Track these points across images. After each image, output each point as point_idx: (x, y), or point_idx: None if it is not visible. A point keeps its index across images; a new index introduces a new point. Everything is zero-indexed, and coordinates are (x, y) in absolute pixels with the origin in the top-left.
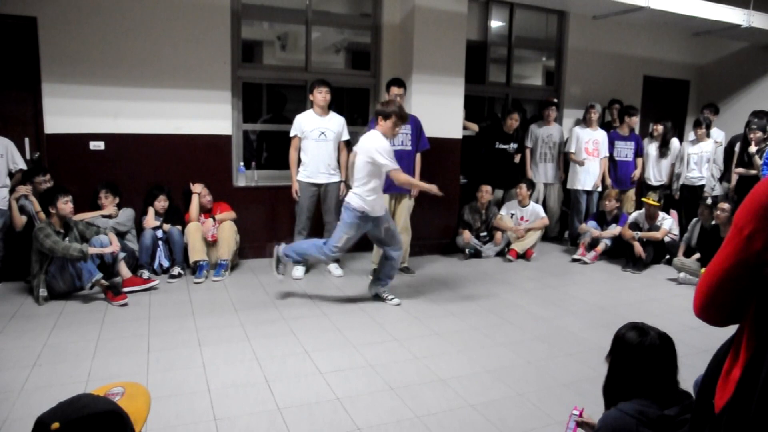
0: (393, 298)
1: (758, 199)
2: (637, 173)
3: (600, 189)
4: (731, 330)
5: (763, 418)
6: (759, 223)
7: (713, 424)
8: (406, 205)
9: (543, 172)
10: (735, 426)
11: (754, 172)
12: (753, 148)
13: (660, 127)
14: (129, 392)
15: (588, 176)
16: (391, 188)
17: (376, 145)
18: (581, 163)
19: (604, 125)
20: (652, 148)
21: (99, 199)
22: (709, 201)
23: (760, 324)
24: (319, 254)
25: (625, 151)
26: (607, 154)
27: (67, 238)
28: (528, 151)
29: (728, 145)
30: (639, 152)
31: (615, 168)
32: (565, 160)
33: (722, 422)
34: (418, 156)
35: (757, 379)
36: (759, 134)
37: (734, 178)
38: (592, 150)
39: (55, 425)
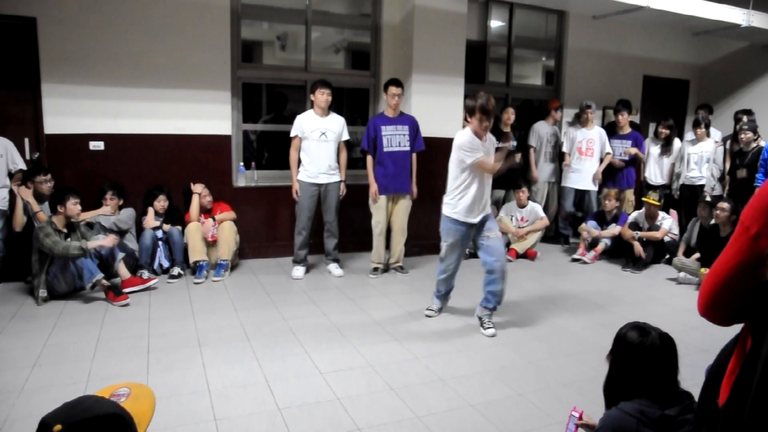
0: (489, 328)
1: (766, 198)
2: (632, 150)
3: (596, 188)
4: (732, 330)
5: (757, 417)
6: (766, 223)
7: (712, 422)
8: (404, 205)
9: (546, 171)
10: (731, 424)
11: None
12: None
13: (666, 131)
14: (135, 393)
15: (581, 176)
16: (389, 189)
17: (459, 142)
18: (565, 164)
19: (609, 126)
20: (654, 148)
21: (104, 200)
22: (708, 199)
23: (756, 323)
24: (438, 272)
25: (620, 149)
26: (609, 151)
27: (69, 239)
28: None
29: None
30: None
31: (609, 167)
32: (561, 159)
33: (720, 420)
34: (414, 156)
35: (753, 377)
36: (749, 134)
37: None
38: (585, 149)
39: (58, 427)
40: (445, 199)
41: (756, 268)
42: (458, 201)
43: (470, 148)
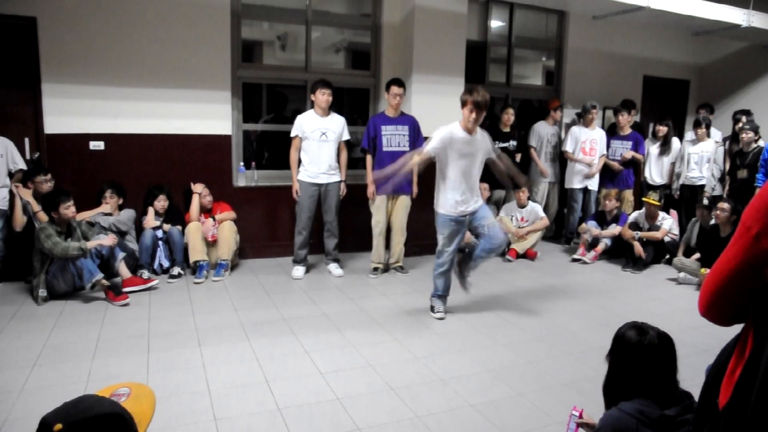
0: (438, 311)
1: (767, 198)
2: (627, 155)
3: (596, 188)
4: (732, 330)
5: (759, 418)
6: (767, 223)
7: (713, 423)
8: (404, 204)
9: (548, 172)
10: (733, 425)
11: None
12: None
13: (664, 128)
14: (135, 393)
15: (584, 175)
16: (388, 189)
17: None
18: (590, 168)
19: (612, 128)
20: (653, 147)
21: (104, 198)
22: (705, 202)
23: (758, 323)
24: (435, 268)
25: (620, 150)
26: (604, 153)
27: (69, 239)
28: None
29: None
30: (638, 152)
31: (608, 167)
32: (561, 159)
33: (721, 421)
34: None
35: (755, 378)
36: (750, 134)
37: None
38: (588, 149)
39: (58, 426)
40: (435, 195)
41: (757, 269)
42: (445, 196)
43: (436, 139)
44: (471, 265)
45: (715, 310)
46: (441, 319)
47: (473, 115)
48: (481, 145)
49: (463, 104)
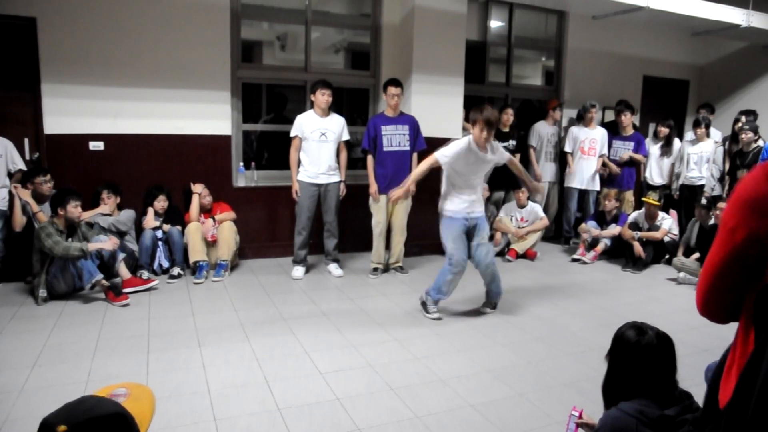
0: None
1: (740, 194)
2: (625, 156)
3: (597, 188)
4: (732, 330)
5: (760, 417)
6: (740, 217)
7: (715, 421)
8: (404, 205)
9: (547, 171)
10: (734, 424)
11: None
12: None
13: (666, 129)
14: (133, 393)
15: (583, 175)
16: (389, 188)
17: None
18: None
19: (610, 126)
20: (654, 148)
21: (102, 200)
22: (703, 202)
23: (759, 323)
24: (445, 273)
25: (621, 150)
26: (605, 153)
27: (70, 239)
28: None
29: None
30: (640, 153)
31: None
32: (561, 159)
33: (723, 420)
34: (415, 156)
35: (756, 378)
36: (750, 135)
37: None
38: (587, 149)
39: (62, 428)
40: (441, 199)
41: (740, 263)
42: (452, 199)
43: (452, 152)
44: (493, 298)
45: (710, 307)
46: (437, 319)
47: (484, 133)
48: (490, 159)
49: (474, 123)
